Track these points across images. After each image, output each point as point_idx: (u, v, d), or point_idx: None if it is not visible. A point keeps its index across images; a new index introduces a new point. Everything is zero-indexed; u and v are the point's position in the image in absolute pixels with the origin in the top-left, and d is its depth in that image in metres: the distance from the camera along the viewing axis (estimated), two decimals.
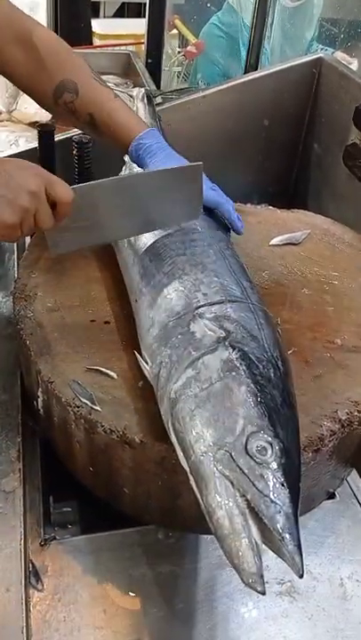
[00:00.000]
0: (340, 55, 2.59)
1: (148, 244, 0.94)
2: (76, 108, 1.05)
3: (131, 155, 1.05)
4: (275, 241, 1.19)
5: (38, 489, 0.90)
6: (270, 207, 1.31)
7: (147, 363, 0.82)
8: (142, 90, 1.34)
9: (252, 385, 0.70)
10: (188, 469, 0.67)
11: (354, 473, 0.97)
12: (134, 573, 0.82)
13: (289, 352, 0.87)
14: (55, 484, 0.93)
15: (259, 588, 0.57)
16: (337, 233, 1.22)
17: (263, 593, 0.58)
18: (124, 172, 1.13)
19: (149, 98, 1.31)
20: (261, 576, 0.58)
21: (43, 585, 0.79)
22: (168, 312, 0.82)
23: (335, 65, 1.52)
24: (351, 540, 0.89)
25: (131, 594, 0.80)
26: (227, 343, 0.75)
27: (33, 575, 0.80)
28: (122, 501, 0.87)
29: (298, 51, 2.72)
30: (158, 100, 1.58)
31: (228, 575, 0.83)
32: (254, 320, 0.80)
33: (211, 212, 1.04)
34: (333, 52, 2.67)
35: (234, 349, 0.74)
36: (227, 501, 0.61)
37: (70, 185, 0.83)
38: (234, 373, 0.71)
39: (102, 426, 0.79)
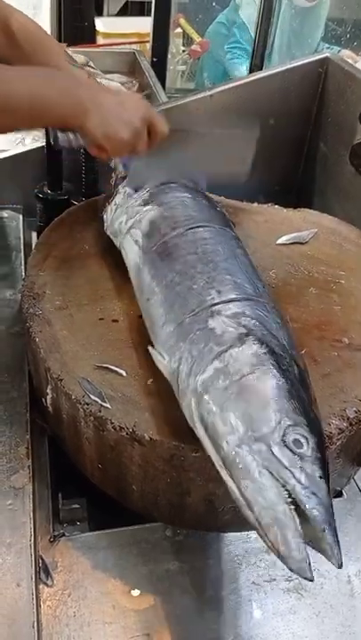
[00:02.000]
0: (345, 54, 2.59)
1: (158, 244, 0.95)
2: None
3: None
4: (281, 240, 1.19)
5: (47, 486, 0.91)
6: (276, 206, 1.31)
7: (163, 358, 0.82)
8: None
9: (283, 380, 0.71)
10: (219, 462, 0.67)
11: None
12: (143, 570, 0.83)
13: None
14: (64, 481, 0.94)
15: (308, 575, 0.59)
16: (343, 232, 1.22)
17: (312, 579, 0.59)
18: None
19: None
20: (309, 563, 0.59)
21: (53, 580, 0.80)
22: (183, 309, 0.83)
23: (341, 64, 1.52)
24: (358, 538, 0.89)
25: (139, 590, 0.80)
26: (253, 338, 0.75)
27: (43, 571, 0.80)
28: (130, 498, 0.87)
29: (306, 52, 2.72)
30: (165, 99, 1.58)
31: (236, 572, 0.83)
32: (271, 318, 0.81)
33: (215, 208, 1.06)
34: (339, 52, 2.67)
35: (262, 344, 0.75)
36: (269, 492, 0.62)
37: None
38: (265, 367, 0.72)
39: (112, 423, 0.79)
